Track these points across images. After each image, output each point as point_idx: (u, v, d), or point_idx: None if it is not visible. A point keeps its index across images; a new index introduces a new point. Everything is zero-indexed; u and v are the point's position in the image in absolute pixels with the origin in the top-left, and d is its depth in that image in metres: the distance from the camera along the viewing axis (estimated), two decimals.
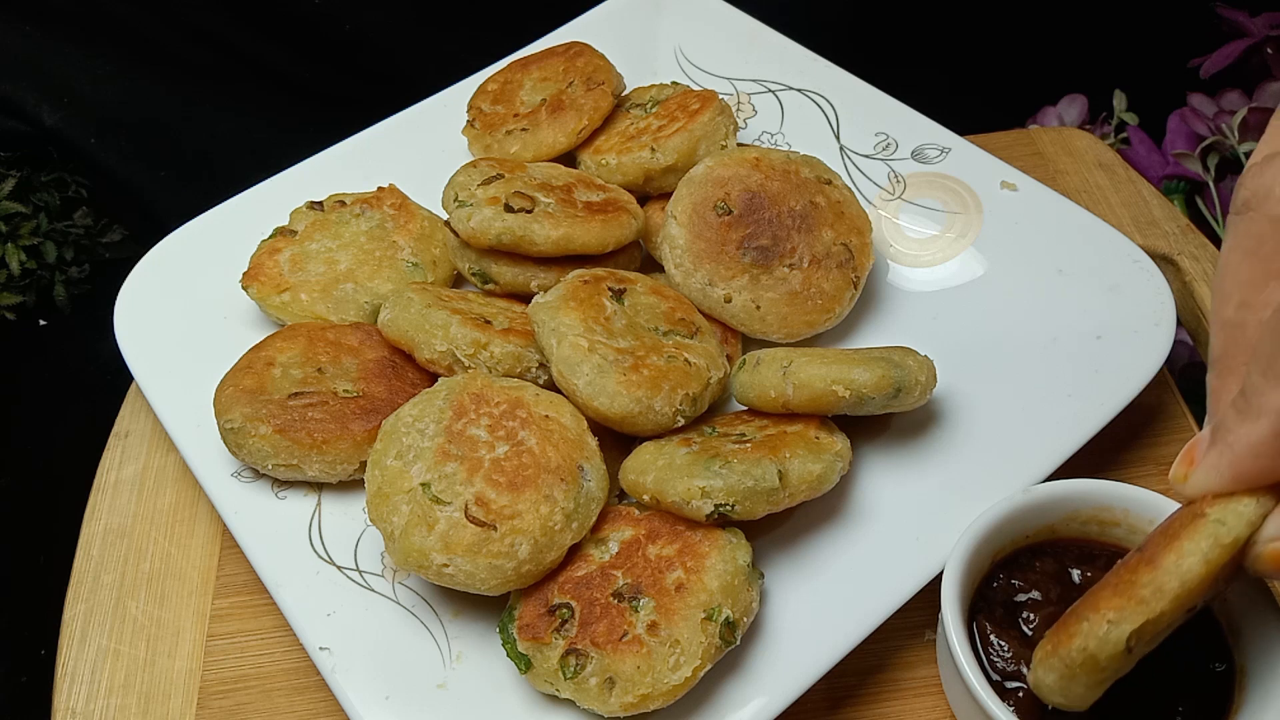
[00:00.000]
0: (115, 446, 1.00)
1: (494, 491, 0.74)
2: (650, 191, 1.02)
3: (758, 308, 0.92)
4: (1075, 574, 0.72)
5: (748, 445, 0.78)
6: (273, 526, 0.83)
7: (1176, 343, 0.93)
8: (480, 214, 0.89)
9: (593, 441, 0.80)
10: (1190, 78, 1.38)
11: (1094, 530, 0.74)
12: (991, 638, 0.70)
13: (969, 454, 0.85)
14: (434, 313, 0.86)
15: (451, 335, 0.84)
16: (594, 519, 0.78)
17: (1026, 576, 0.72)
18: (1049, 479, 0.81)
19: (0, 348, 1.32)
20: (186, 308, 0.98)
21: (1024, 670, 0.69)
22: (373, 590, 0.80)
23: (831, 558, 0.80)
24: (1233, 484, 0.53)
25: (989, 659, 0.69)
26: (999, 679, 0.68)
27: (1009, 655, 0.69)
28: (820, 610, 0.76)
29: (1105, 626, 0.56)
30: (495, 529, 0.73)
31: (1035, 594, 0.71)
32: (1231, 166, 1.31)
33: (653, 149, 0.99)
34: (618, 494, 0.83)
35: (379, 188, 1.04)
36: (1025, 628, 0.70)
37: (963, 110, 1.14)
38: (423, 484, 0.75)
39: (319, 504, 0.85)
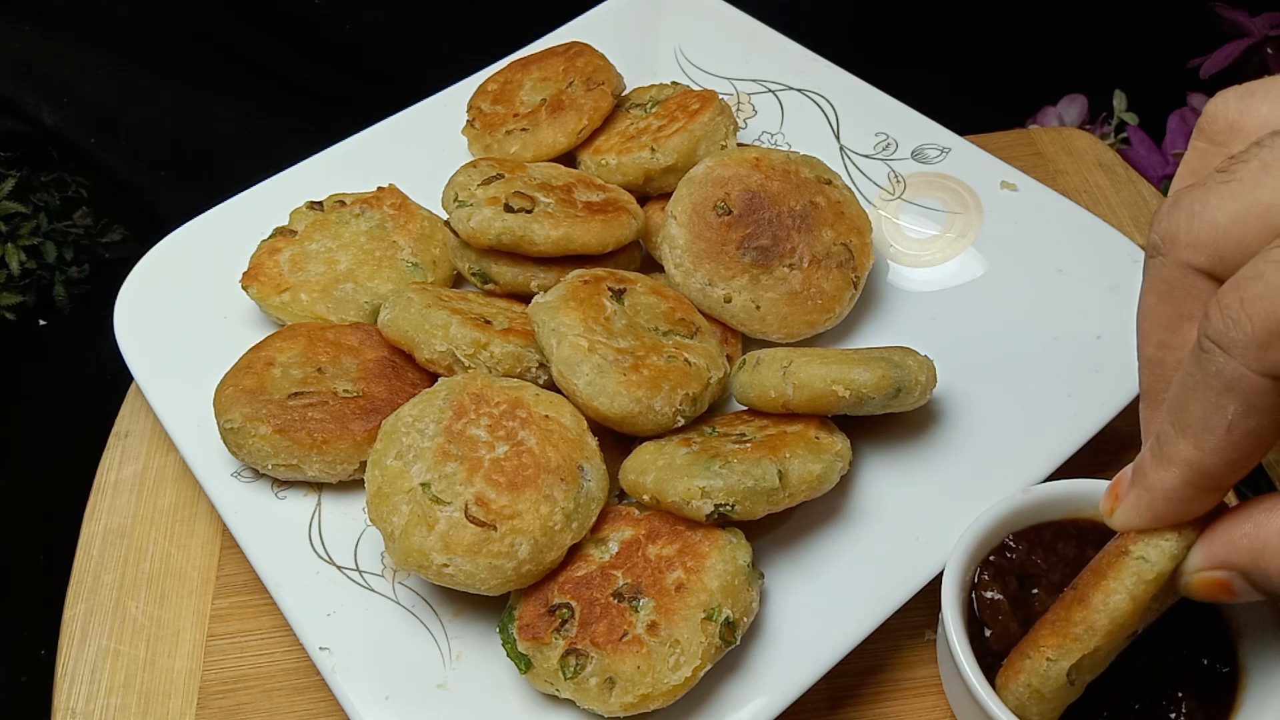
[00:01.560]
0: (115, 446, 1.00)
1: (494, 491, 0.74)
2: (650, 191, 1.02)
3: (758, 308, 0.92)
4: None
5: (748, 445, 0.78)
6: (273, 526, 0.83)
7: None
8: (480, 214, 0.89)
9: (593, 441, 0.80)
10: (1190, 78, 1.38)
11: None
12: (999, 616, 0.70)
13: (969, 454, 0.85)
14: (434, 313, 0.86)
15: (451, 335, 0.84)
16: (594, 519, 0.77)
17: (1046, 557, 0.72)
18: (1049, 479, 0.81)
19: (0, 348, 1.32)
20: (186, 308, 0.98)
21: None
22: (373, 590, 0.80)
23: (831, 558, 0.80)
24: (1152, 523, 0.57)
25: (987, 646, 0.69)
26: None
27: (1011, 639, 0.69)
28: (820, 610, 0.76)
29: (1045, 664, 0.61)
30: (495, 529, 0.73)
31: (1052, 575, 0.71)
32: None
33: (653, 149, 0.99)
34: (618, 494, 0.83)
35: (379, 188, 1.04)
36: (1031, 607, 0.70)
37: (963, 110, 1.14)
38: (423, 484, 0.75)
39: (319, 504, 0.85)
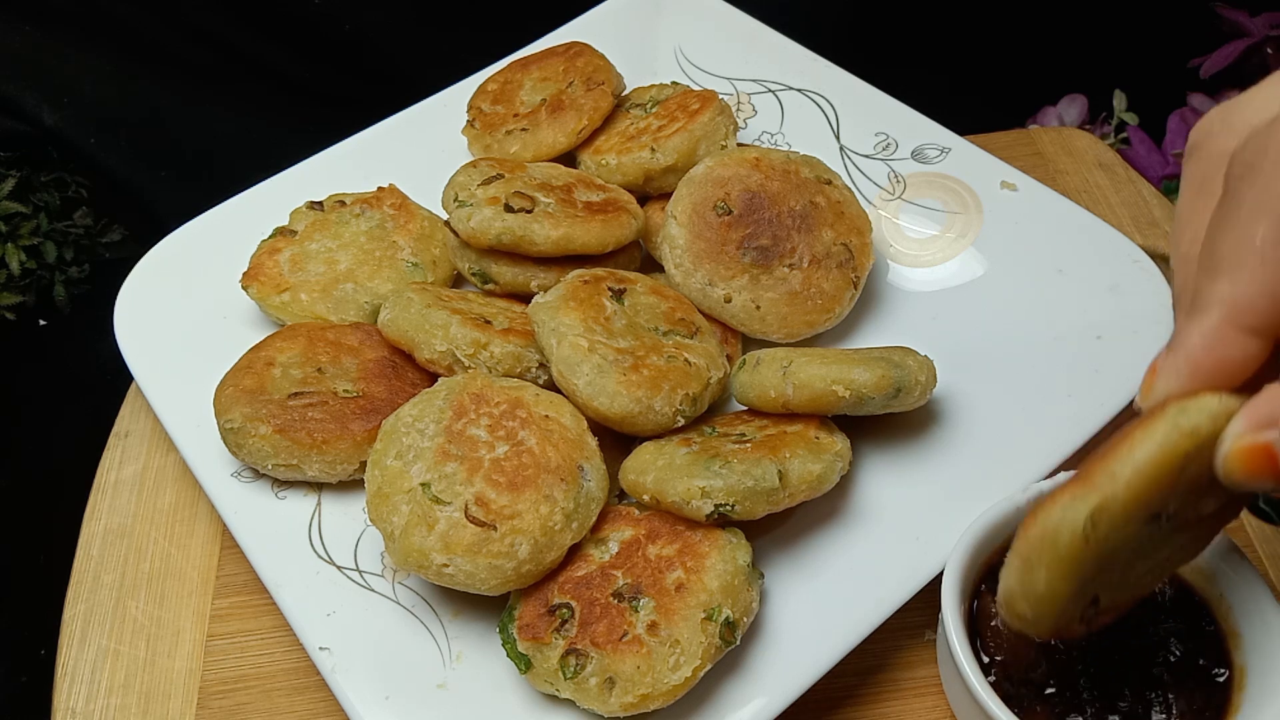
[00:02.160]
0: (115, 446, 1.00)
1: (494, 491, 0.74)
2: (650, 191, 1.02)
3: (758, 308, 0.92)
4: None
5: (748, 445, 0.78)
6: (273, 526, 0.83)
7: None
8: (480, 214, 0.89)
9: (593, 441, 0.80)
10: (1190, 78, 1.38)
11: None
12: (994, 623, 0.70)
13: (969, 454, 0.85)
14: (434, 313, 0.86)
15: (451, 335, 0.84)
16: (594, 519, 0.77)
17: None
18: (1049, 479, 0.81)
19: (0, 348, 1.32)
20: (186, 308, 0.98)
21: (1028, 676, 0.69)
22: (373, 590, 0.80)
23: (831, 558, 0.80)
24: (1191, 382, 0.52)
25: (987, 647, 0.69)
26: (998, 679, 0.68)
27: (1007, 647, 0.69)
28: (820, 610, 0.76)
29: (1062, 508, 0.53)
30: (495, 529, 0.73)
31: None
32: None
33: (653, 149, 0.99)
34: (618, 494, 0.83)
35: (379, 188, 1.04)
36: None
37: (963, 110, 1.14)
38: (423, 484, 0.75)
39: (319, 504, 0.85)
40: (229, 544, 0.91)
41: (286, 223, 1.01)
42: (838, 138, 1.09)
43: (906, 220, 1.03)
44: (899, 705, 0.80)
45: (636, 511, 0.79)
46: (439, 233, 1.01)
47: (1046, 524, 0.53)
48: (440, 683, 0.75)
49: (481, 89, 1.14)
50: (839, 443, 0.80)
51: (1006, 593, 0.57)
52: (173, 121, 1.38)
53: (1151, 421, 0.51)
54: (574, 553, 0.76)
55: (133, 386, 1.04)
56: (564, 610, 0.73)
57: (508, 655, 0.73)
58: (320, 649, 0.75)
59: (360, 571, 0.81)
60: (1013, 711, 0.64)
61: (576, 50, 1.12)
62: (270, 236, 1.00)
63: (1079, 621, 0.58)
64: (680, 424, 0.82)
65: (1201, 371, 0.51)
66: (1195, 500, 0.54)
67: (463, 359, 0.85)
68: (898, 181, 1.05)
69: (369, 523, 0.82)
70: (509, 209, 0.90)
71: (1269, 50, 1.34)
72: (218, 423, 0.85)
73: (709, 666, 0.71)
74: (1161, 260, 1.05)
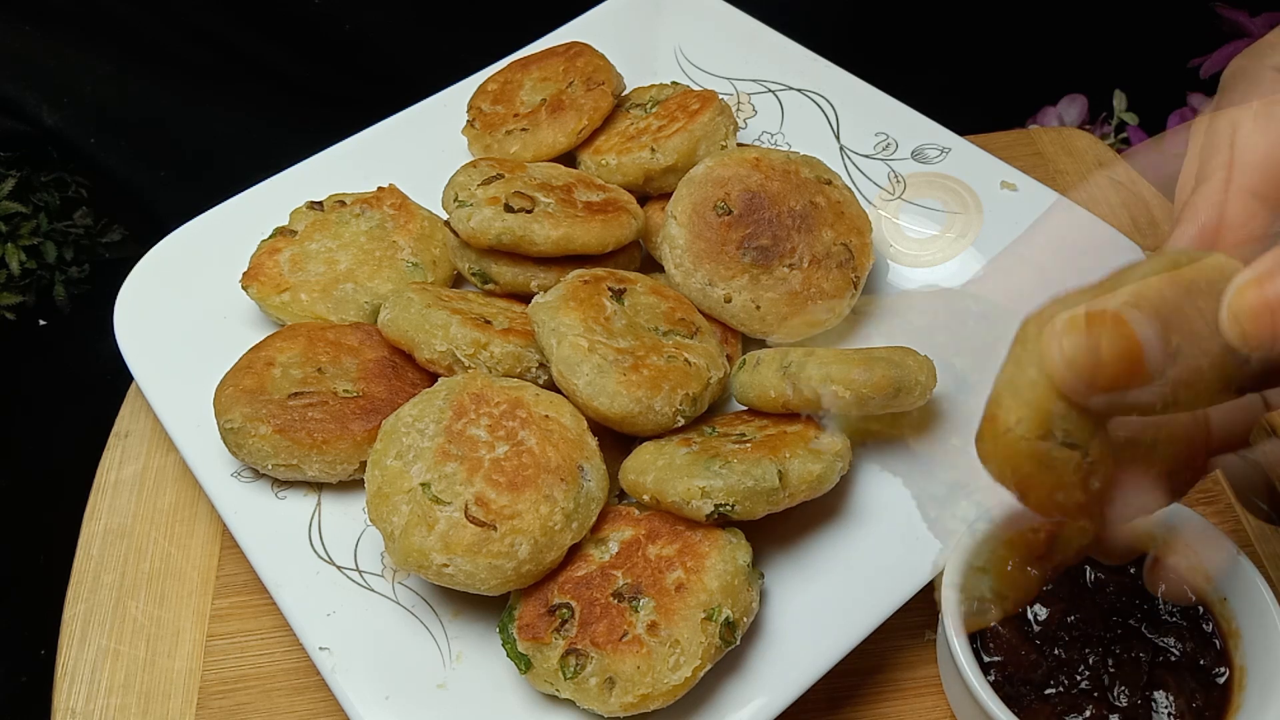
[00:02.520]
0: (115, 446, 1.00)
1: (494, 491, 0.74)
2: (650, 191, 1.02)
3: (758, 308, 0.92)
4: (1089, 574, 0.72)
5: (748, 445, 0.78)
6: (273, 526, 0.83)
7: None
8: (480, 214, 0.89)
9: (593, 441, 0.80)
10: (1190, 78, 1.39)
11: None
12: (994, 624, 0.70)
13: (969, 454, 0.85)
14: (434, 313, 0.86)
15: (451, 335, 0.84)
16: (594, 519, 0.77)
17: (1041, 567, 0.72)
18: None
19: (0, 348, 1.32)
20: (186, 308, 0.98)
21: (1029, 677, 0.69)
22: (373, 590, 0.80)
23: (831, 558, 0.80)
24: (1199, 243, 0.53)
25: (987, 647, 0.69)
26: (998, 679, 0.68)
27: (1007, 647, 0.69)
28: (820, 610, 0.76)
29: (1062, 305, 0.51)
30: (495, 529, 0.73)
31: (1048, 587, 0.71)
32: None
33: (653, 149, 0.99)
34: (618, 494, 0.83)
35: (379, 188, 1.04)
36: (1032, 620, 0.70)
37: (963, 110, 1.14)
38: (423, 484, 0.75)
39: (319, 504, 0.85)
40: (229, 544, 0.91)
41: (286, 223, 1.01)
42: (838, 138, 1.09)
43: (906, 220, 1.03)
44: (899, 705, 0.80)
45: (636, 511, 0.79)
46: (439, 233, 1.01)
47: (1044, 316, 0.51)
48: (440, 683, 0.75)
49: (481, 89, 1.14)
50: (839, 443, 0.80)
51: (994, 394, 0.53)
52: (173, 121, 1.38)
53: (1158, 252, 0.50)
54: (574, 553, 0.76)
55: (133, 386, 1.04)
56: (564, 610, 0.73)
57: (508, 655, 0.73)
58: (320, 649, 0.75)
59: (360, 571, 0.81)
60: (1013, 711, 0.64)
61: (576, 50, 1.12)
62: (270, 236, 1.00)
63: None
64: (680, 424, 0.82)
65: (1208, 232, 0.52)
66: (1198, 352, 0.49)
67: (463, 359, 0.85)
68: (898, 181, 1.05)
69: (369, 523, 0.82)
70: (509, 209, 0.90)
71: None
72: (218, 423, 0.85)
73: (709, 666, 0.71)
74: None
